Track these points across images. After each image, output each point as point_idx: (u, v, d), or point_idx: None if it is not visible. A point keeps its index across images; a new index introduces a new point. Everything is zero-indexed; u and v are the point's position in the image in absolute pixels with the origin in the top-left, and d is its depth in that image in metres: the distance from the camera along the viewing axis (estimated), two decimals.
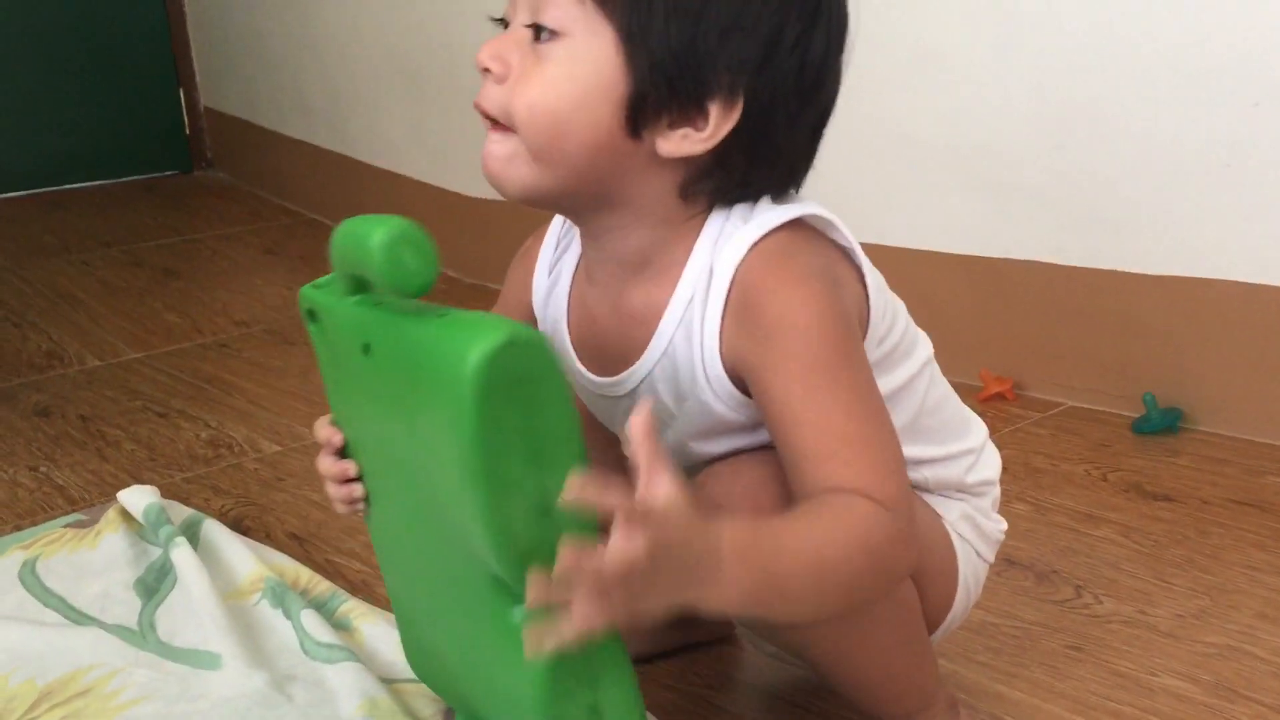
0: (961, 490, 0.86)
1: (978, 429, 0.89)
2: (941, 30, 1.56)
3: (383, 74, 2.52)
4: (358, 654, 0.95)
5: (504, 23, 0.73)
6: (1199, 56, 1.34)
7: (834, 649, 0.78)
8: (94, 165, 3.24)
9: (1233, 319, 1.38)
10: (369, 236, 0.65)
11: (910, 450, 0.79)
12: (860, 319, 0.75)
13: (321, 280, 0.76)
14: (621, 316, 0.78)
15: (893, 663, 0.80)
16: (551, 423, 0.63)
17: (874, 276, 0.77)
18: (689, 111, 0.70)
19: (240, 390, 1.80)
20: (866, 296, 0.76)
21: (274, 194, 3.04)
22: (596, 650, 0.67)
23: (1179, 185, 1.39)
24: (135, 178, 3.30)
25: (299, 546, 1.27)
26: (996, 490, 0.89)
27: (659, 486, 0.59)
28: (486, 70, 0.71)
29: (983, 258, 1.58)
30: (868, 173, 1.63)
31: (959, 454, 0.85)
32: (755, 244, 0.72)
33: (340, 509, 0.79)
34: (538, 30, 0.70)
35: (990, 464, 0.88)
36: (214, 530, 1.16)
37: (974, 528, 0.86)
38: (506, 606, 0.68)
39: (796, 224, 0.73)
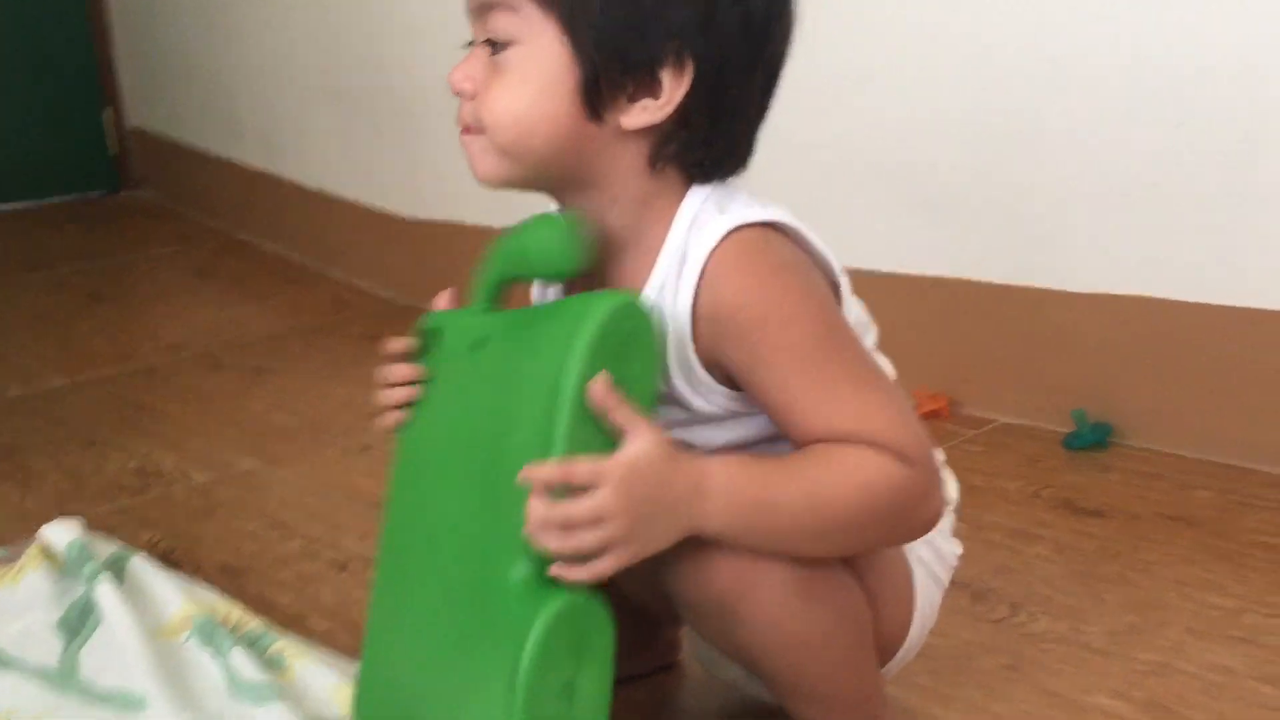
0: None
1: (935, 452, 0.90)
2: (872, 51, 1.57)
3: (312, 94, 2.49)
4: (288, 693, 0.93)
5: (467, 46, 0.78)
6: (1126, 78, 1.37)
7: (787, 663, 0.78)
8: (18, 186, 3.18)
9: (1160, 336, 1.41)
10: (538, 228, 0.76)
11: None
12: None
13: (434, 312, 0.86)
14: None
15: (844, 680, 0.80)
16: (639, 383, 0.71)
17: (845, 280, 0.79)
18: (643, 83, 0.73)
19: (170, 417, 1.77)
20: (839, 302, 0.78)
21: (203, 215, 3.00)
22: (589, 622, 0.71)
23: (1108, 204, 1.42)
24: (61, 199, 3.24)
25: (230, 579, 1.25)
26: (952, 514, 0.90)
27: (634, 437, 0.70)
28: (459, 92, 0.76)
29: (915, 276, 1.59)
30: (800, 192, 1.63)
31: None
32: (729, 233, 0.74)
33: (385, 419, 0.83)
34: (492, 44, 0.75)
35: (948, 485, 0.89)
36: (140, 566, 1.13)
37: (932, 550, 0.87)
38: (505, 576, 0.71)
39: (770, 225, 0.76)
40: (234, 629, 1.03)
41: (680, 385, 0.77)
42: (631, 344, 0.71)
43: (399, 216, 2.33)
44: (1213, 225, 1.35)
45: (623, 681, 1.00)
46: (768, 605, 0.74)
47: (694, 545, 0.73)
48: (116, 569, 1.12)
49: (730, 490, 0.71)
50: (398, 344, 0.83)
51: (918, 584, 0.85)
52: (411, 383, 0.82)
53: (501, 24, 0.73)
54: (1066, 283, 1.47)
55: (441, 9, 2.16)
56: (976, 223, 1.53)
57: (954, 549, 0.90)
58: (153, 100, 3.17)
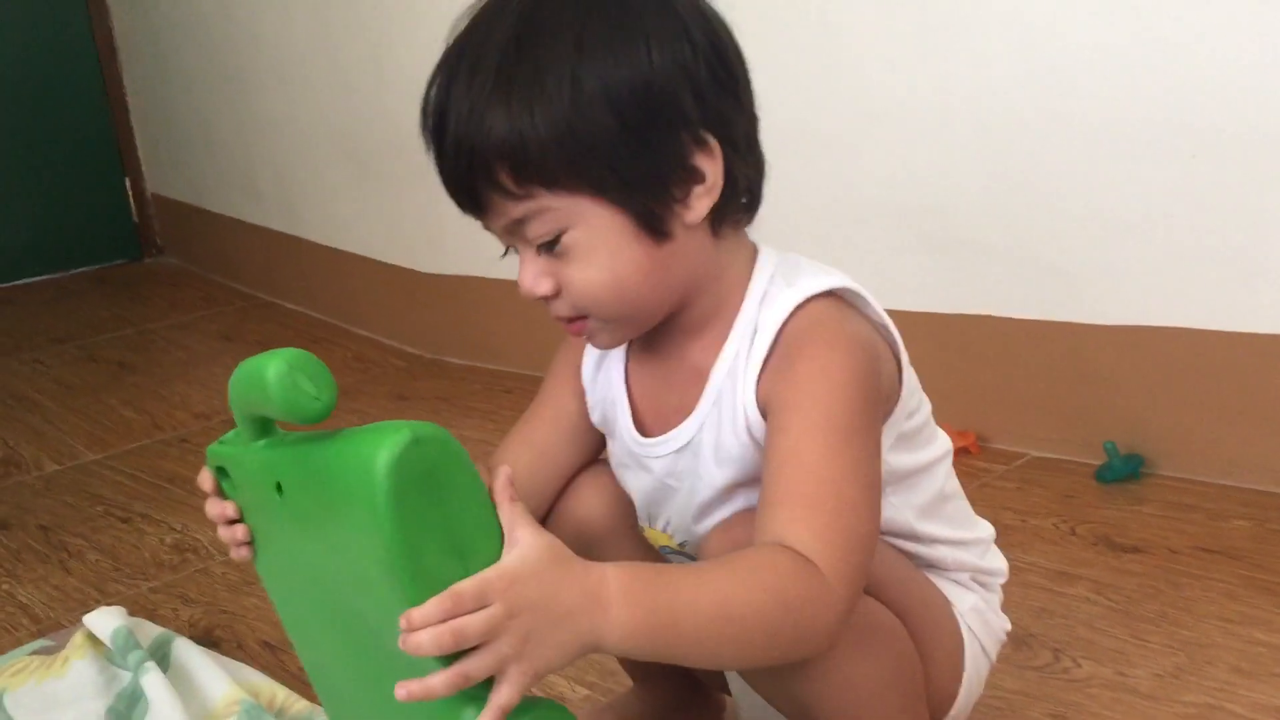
0: (976, 576, 0.88)
1: (987, 527, 0.91)
2: (883, 92, 1.58)
3: (329, 152, 2.52)
4: None
5: (512, 248, 0.79)
6: (1135, 110, 1.37)
7: (842, 714, 0.77)
8: (42, 258, 3.22)
9: (1185, 364, 1.40)
10: (264, 370, 0.66)
11: (931, 528, 0.84)
12: (892, 390, 0.79)
13: (226, 436, 0.78)
14: (679, 376, 0.82)
15: None
16: (467, 512, 0.64)
17: (904, 353, 0.81)
18: (686, 180, 0.74)
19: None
20: (899, 370, 0.79)
21: (226, 278, 3.03)
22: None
23: (1124, 236, 1.42)
24: (85, 269, 3.27)
25: (272, 655, 1.25)
26: (1000, 590, 0.91)
27: (514, 544, 0.65)
28: (543, 298, 0.77)
29: (936, 314, 1.59)
30: (818, 234, 1.64)
31: (974, 540, 0.88)
32: (799, 306, 0.76)
33: (233, 554, 0.80)
34: (546, 245, 0.75)
35: (1000, 558, 0.90)
36: (184, 650, 1.14)
37: (983, 623, 0.87)
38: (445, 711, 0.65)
39: (834, 294, 0.78)
40: (279, 712, 1.04)
41: (744, 440, 0.78)
42: (437, 477, 0.64)
43: (420, 272, 2.35)
44: (1231, 253, 1.34)
45: None
46: (827, 654, 0.74)
47: None
48: (161, 655, 1.13)
49: (630, 594, 0.65)
50: (205, 480, 0.80)
51: (967, 653, 0.85)
52: (238, 519, 0.79)
53: (543, 226, 0.74)
54: (1088, 315, 1.47)
55: None
56: (994, 260, 1.53)
57: (1003, 624, 0.91)
58: (171, 166, 3.21)
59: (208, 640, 1.27)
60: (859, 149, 1.62)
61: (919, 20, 1.51)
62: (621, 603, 0.65)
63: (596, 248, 0.74)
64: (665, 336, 0.82)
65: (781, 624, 0.68)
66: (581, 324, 0.78)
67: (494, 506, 0.67)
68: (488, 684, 0.64)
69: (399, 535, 0.62)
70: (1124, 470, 1.43)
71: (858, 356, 0.75)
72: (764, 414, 0.77)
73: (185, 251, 3.26)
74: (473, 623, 0.61)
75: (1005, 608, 0.92)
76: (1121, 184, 1.40)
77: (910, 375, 0.82)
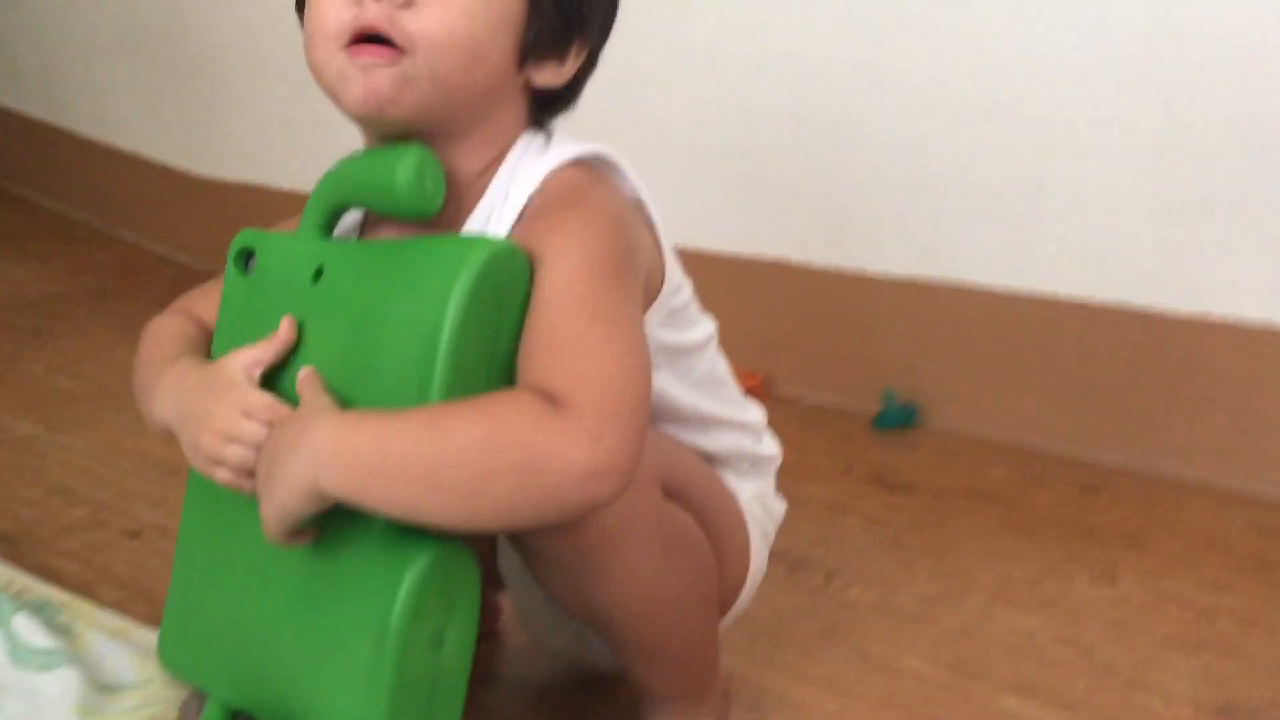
0: (754, 464, 0.87)
1: (757, 409, 0.91)
2: (701, 32, 1.58)
3: (104, 41, 2.33)
4: (79, 660, 0.86)
5: None
6: (937, 70, 1.42)
7: (642, 618, 0.76)
8: None
9: (963, 321, 1.46)
10: (399, 160, 0.69)
11: (710, 406, 0.83)
12: (653, 263, 0.75)
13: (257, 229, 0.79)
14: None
15: (692, 635, 0.79)
16: (509, 329, 0.67)
17: (661, 227, 0.77)
18: (561, 50, 0.74)
19: None
20: (658, 245, 0.76)
21: None
22: (458, 572, 0.68)
23: (920, 190, 1.46)
24: None
25: (7, 548, 1.15)
26: (774, 474, 0.91)
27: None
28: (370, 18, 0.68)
29: (734, 256, 1.61)
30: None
31: (749, 423, 0.88)
32: (551, 173, 0.73)
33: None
34: None
35: (774, 443, 0.90)
36: None
37: (763, 508, 0.88)
38: (363, 526, 0.68)
39: (588, 163, 0.75)
40: (17, 595, 0.95)
41: None
42: (506, 292, 0.67)
43: (196, 175, 2.21)
44: (1011, 214, 1.41)
45: None
46: (633, 558, 0.72)
47: None
48: None
49: (338, 444, 0.64)
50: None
51: (753, 542, 0.85)
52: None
53: None
54: (879, 267, 1.51)
55: None
56: (794, 205, 1.56)
57: (780, 506, 0.92)
58: None
59: None
60: (671, 86, 1.61)
61: None
62: (333, 445, 0.64)
63: (491, 4, 0.69)
64: None
65: (501, 462, 0.61)
66: (387, 54, 0.68)
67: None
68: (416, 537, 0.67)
69: (466, 315, 0.65)
70: (899, 418, 1.49)
71: (602, 221, 0.71)
72: None
73: None
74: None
75: (782, 532, 0.94)
76: (923, 140, 1.45)
77: (671, 252, 0.78)
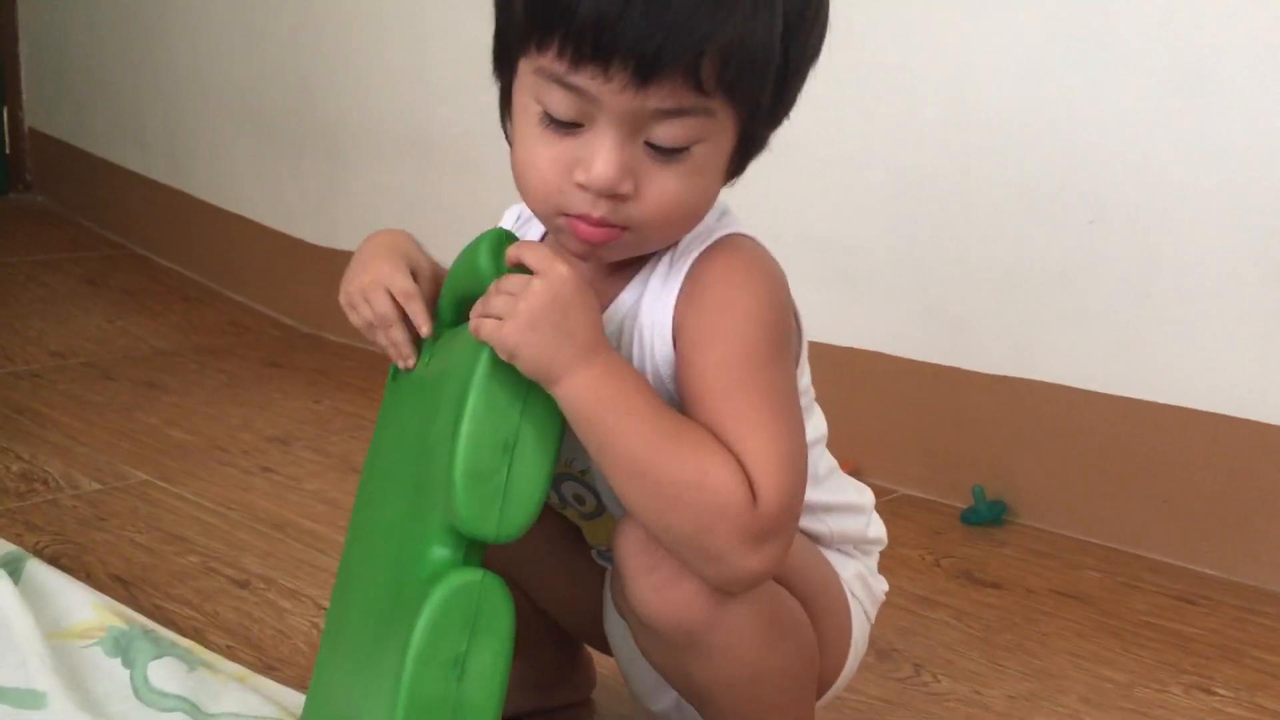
0: (859, 546, 0.89)
1: (867, 491, 0.93)
2: (804, 123, 1.62)
3: (231, 115, 2.45)
4: (199, 711, 0.90)
5: (562, 123, 0.70)
6: (1041, 173, 1.44)
7: (741, 696, 0.77)
8: None
9: (1057, 421, 1.47)
10: (479, 244, 0.73)
11: (819, 495, 0.84)
12: (797, 336, 0.79)
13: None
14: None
15: (787, 715, 0.80)
16: (539, 412, 0.70)
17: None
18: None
19: (55, 424, 1.70)
20: (799, 327, 0.79)
21: (98, 224, 2.90)
22: (486, 599, 0.70)
23: (1017, 292, 1.48)
24: None
25: (123, 589, 1.20)
26: (878, 553, 0.93)
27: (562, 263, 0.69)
28: (615, 194, 0.70)
29: (830, 345, 1.63)
30: None
31: (859, 506, 0.90)
32: (717, 240, 0.76)
33: (404, 360, 0.81)
34: (671, 149, 0.69)
35: (881, 526, 0.92)
36: (38, 569, 1.08)
37: (865, 587, 0.89)
38: (422, 564, 0.72)
39: (749, 237, 0.78)
40: (156, 642, 0.99)
41: (649, 368, 0.77)
42: (524, 384, 0.71)
43: (306, 243, 2.30)
44: (1116, 319, 1.42)
45: (539, 713, 1.00)
46: (736, 637, 0.74)
47: (663, 568, 0.72)
48: (13, 569, 1.07)
49: (608, 377, 0.68)
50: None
51: (854, 621, 0.87)
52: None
53: (691, 130, 0.68)
54: (973, 363, 1.53)
55: (379, 45, 2.16)
56: (892, 299, 1.58)
57: (882, 586, 0.93)
58: (56, 103, 3.06)
59: (55, 569, 1.21)
60: (770, 178, 1.65)
61: (852, 67, 1.56)
62: (599, 375, 0.68)
63: (707, 169, 0.71)
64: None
65: (689, 511, 0.67)
66: (614, 234, 0.71)
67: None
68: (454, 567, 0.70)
69: (483, 388, 0.69)
70: (988, 514, 1.49)
71: (766, 284, 0.75)
72: (675, 341, 0.75)
73: (56, 191, 3.11)
74: (513, 280, 0.69)
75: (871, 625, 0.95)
76: (1023, 243, 1.47)
77: (802, 340, 0.81)
